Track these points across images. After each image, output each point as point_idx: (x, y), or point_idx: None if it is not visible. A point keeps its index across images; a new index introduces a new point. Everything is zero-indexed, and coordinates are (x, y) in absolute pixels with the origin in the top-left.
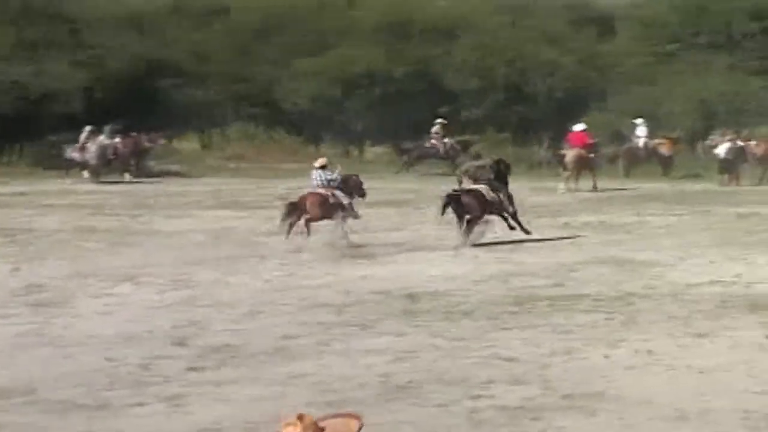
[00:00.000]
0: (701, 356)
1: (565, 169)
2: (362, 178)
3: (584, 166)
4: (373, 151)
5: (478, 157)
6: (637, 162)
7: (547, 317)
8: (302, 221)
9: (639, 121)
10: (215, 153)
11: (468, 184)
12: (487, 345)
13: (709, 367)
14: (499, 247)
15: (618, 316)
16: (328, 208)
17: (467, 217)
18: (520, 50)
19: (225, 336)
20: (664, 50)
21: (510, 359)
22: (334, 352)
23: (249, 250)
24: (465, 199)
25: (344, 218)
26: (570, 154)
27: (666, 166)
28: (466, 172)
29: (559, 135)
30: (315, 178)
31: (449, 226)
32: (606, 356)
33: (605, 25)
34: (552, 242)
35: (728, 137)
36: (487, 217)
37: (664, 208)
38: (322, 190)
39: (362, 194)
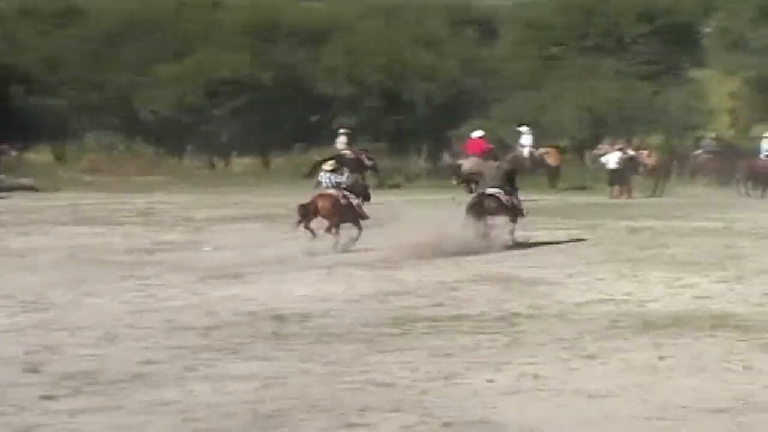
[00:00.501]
0: (591, 380)
1: (459, 178)
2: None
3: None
4: (240, 163)
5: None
6: (522, 172)
7: (427, 339)
8: (316, 224)
9: (524, 129)
10: (70, 165)
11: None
12: (362, 370)
13: (599, 391)
14: (375, 263)
15: (502, 337)
16: (341, 210)
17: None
18: (395, 54)
19: (81, 362)
20: (550, 54)
21: (387, 385)
22: (199, 378)
23: (107, 270)
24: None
25: (358, 221)
26: (467, 162)
27: (553, 177)
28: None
29: (439, 144)
30: (324, 181)
31: (321, 241)
32: (489, 381)
33: (487, 28)
34: (432, 258)
35: (618, 146)
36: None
37: (550, 222)
38: (333, 191)
39: (367, 198)
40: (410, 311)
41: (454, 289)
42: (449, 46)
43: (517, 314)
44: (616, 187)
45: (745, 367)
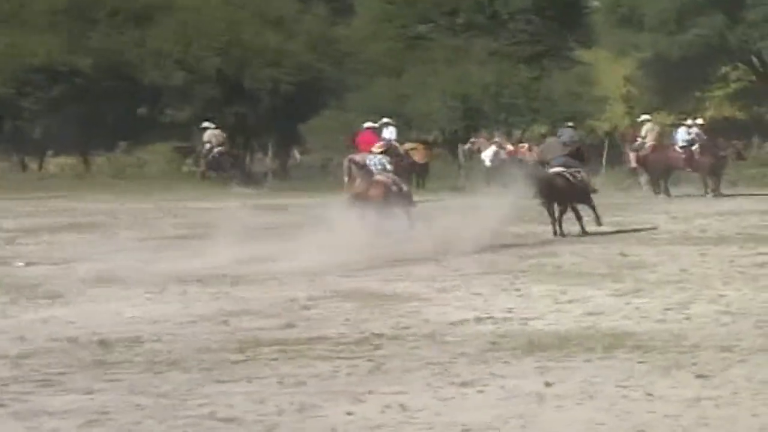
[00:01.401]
0: (466, 410)
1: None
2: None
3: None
4: (56, 163)
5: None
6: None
7: (276, 366)
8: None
9: (385, 120)
10: None
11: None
12: (201, 402)
13: (475, 424)
14: (214, 280)
15: (363, 363)
16: (392, 197)
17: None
18: (234, 35)
19: None
20: (414, 33)
21: (230, 419)
22: (10, 415)
23: None
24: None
25: (408, 207)
26: (359, 159)
27: (420, 175)
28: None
29: (288, 139)
30: (374, 164)
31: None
32: (349, 413)
33: (341, 3)
34: (280, 272)
35: (494, 140)
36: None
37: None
38: (383, 178)
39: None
40: (256, 334)
41: (307, 308)
42: (297, 25)
43: (380, 335)
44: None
45: (644, 394)
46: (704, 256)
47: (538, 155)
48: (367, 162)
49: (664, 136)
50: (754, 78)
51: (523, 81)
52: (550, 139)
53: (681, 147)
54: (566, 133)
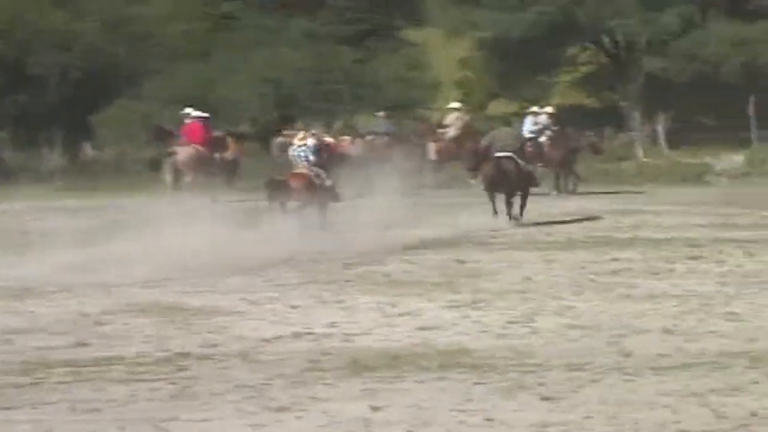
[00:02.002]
0: None
1: (175, 173)
2: None
3: (204, 168)
4: None
5: None
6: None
7: (66, 390)
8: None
9: (189, 110)
10: None
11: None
12: None
13: None
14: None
15: (166, 386)
16: (313, 192)
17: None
18: (16, 15)
19: None
20: (221, 11)
21: None
22: None
23: None
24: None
25: (327, 205)
26: (184, 152)
27: (229, 173)
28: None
29: (78, 132)
30: (297, 155)
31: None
32: None
33: None
34: (72, 284)
35: (312, 132)
36: None
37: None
38: (305, 170)
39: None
40: (43, 353)
41: (101, 324)
42: (87, 3)
43: (185, 355)
44: None
45: (484, 419)
46: (550, 263)
47: (483, 144)
48: (289, 153)
49: (473, 126)
50: (605, 60)
51: (345, 65)
52: (503, 129)
53: (528, 139)
54: (381, 125)
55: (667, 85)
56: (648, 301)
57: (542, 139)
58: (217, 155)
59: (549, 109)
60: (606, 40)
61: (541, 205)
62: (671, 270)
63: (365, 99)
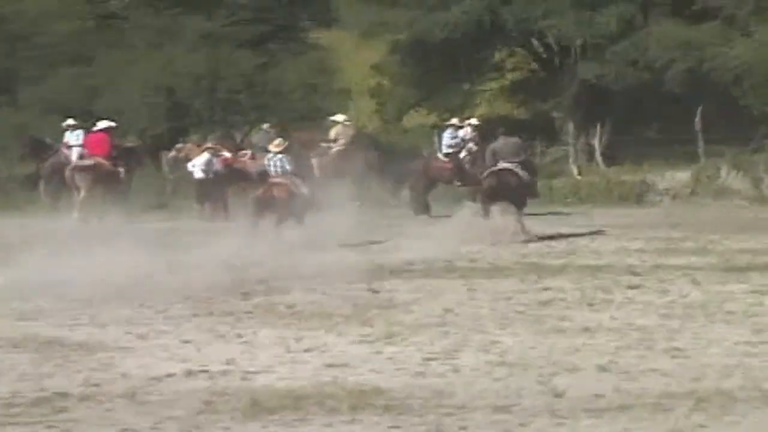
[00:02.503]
0: None
1: (77, 189)
2: None
3: (104, 184)
4: None
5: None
6: (61, 182)
7: None
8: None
9: (70, 122)
10: None
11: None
12: None
13: None
14: None
15: (43, 430)
16: (294, 203)
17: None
18: None
19: None
20: (106, 11)
21: None
22: None
23: None
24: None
25: (301, 216)
26: (84, 165)
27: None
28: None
29: None
30: (273, 166)
31: None
32: None
33: None
34: None
35: (207, 146)
36: None
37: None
38: (283, 180)
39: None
40: None
41: None
42: None
43: (65, 395)
44: (208, 205)
45: None
46: (474, 292)
47: (488, 157)
48: (266, 163)
49: (360, 140)
50: (535, 66)
51: (245, 70)
52: (506, 139)
53: (446, 154)
54: (264, 138)
55: (604, 93)
56: (582, 335)
57: (463, 154)
58: (121, 169)
59: (472, 121)
60: (536, 43)
61: (464, 227)
62: (608, 300)
63: (268, 108)
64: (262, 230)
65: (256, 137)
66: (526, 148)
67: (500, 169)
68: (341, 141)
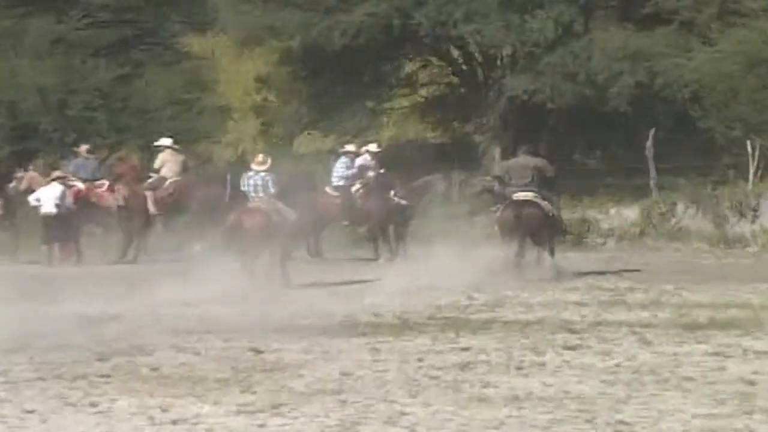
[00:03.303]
0: None
1: None
2: None
3: None
4: None
5: None
6: None
7: None
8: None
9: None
10: None
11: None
12: None
13: None
14: None
15: None
16: (274, 229)
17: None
18: None
19: None
20: None
21: None
22: None
23: None
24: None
25: (286, 249)
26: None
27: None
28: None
29: None
30: (252, 186)
31: None
32: None
33: None
34: None
35: (57, 174)
36: None
37: None
38: (261, 204)
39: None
40: None
41: None
42: None
43: None
44: (57, 246)
45: None
46: (378, 353)
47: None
48: (244, 183)
49: (190, 169)
50: (454, 80)
51: (103, 83)
52: (521, 157)
53: (336, 187)
54: (85, 166)
55: (537, 113)
56: (508, 405)
57: (356, 187)
58: None
59: (371, 148)
60: (455, 52)
61: (364, 273)
62: (540, 364)
63: (130, 129)
64: (245, 268)
65: (72, 165)
66: (548, 169)
67: (519, 201)
68: (170, 169)
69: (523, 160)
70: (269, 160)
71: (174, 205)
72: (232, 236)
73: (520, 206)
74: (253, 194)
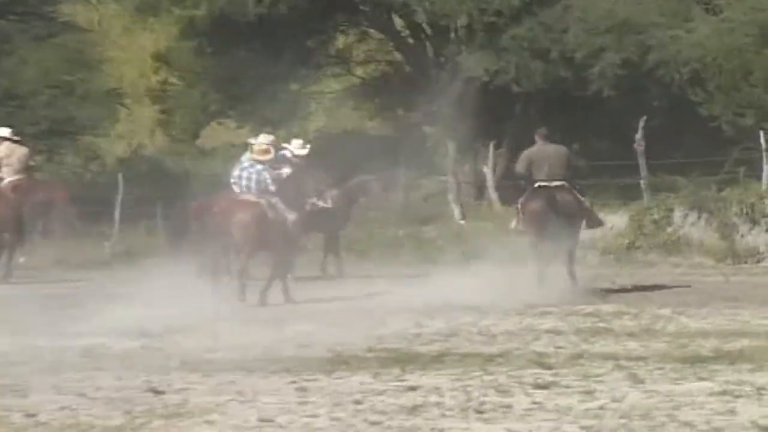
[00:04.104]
0: None
1: None
2: None
3: None
4: None
5: None
6: None
7: None
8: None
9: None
10: None
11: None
12: None
13: None
14: None
15: None
16: (266, 231)
17: None
18: None
19: None
20: None
21: None
22: None
23: None
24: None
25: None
26: None
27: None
28: None
29: None
30: (244, 179)
31: None
32: None
33: None
34: None
35: None
36: None
37: None
38: (252, 197)
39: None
40: None
41: None
42: None
43: None
44: None
45: None
46: (306, 394)
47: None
48: (235, 176)
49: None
50: (398, 57)
51: None
52: (548, 146)
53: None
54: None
55: (500, 98)
56: None
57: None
58: None
59: (294, 147)
60: (399, 23)
61: (301, 293)
62: (506, 406)
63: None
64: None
65: None
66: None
67: (550, 187)
68: (10, 164)
69: (554, 149)
70: (273, 150)
71: (11, 209)
72: (212, 230)
73: (552, 192)
74: (244, 190)
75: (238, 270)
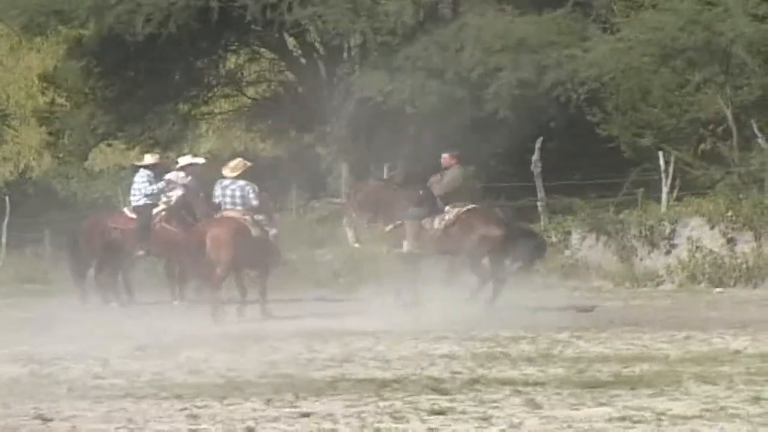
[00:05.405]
0: None
1: None
2: None
3: None
4: None
5: None
6: None
7: None
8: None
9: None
10: None
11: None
12: None
13: None
14: None
15: None
16: (249, 247)
17: None
18: None
19: None
20: None
21: None
22: None
23: None
24: None
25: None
26: None
27: None
28: None
29: None
30: (226, 196)
31: None
32: None
33: None
34: None
35: None
36: None
37: None
38: (235, 213)
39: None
40: None
41: None
42: None
43: None
44: None
45: None
46: (197, 420)
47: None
48: (217, 194)
49: None
50: (290, 77)
51: None
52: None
53: (135, 208)
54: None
55: (393, 119)
56: None
57: (158, 209)
58: None
59: (184, 161)
60: (291, 42)
61: (179, 320)
62: None
63: None
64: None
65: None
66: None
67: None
68: None
69: (460, 170)
70: (245, 165)
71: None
72: (196, 251)
73: (499, 219)
74: (229, 207)
75: (212, 287)
